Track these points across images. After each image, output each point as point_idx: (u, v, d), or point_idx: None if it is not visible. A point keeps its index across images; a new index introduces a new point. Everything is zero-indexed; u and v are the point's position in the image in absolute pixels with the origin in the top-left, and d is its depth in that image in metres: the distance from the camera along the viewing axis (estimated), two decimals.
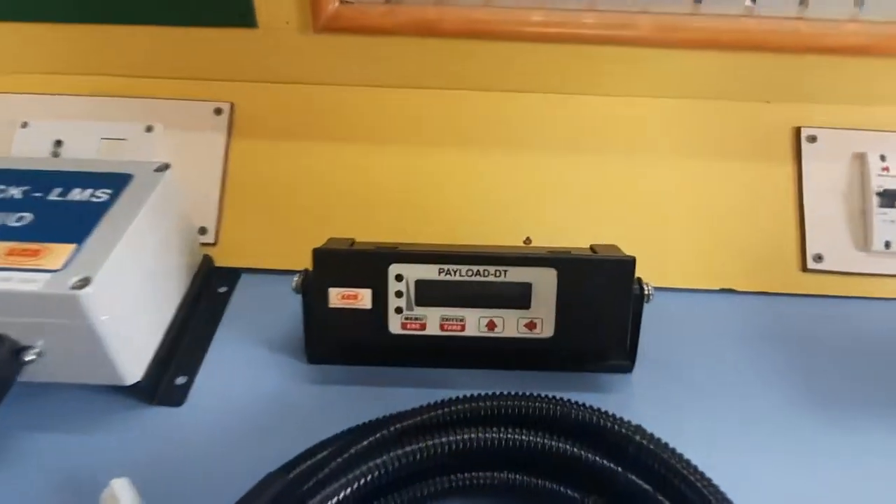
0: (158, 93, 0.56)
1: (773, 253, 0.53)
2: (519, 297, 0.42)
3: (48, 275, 0.37)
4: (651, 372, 0.46)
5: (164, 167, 0.46)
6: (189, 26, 0.54)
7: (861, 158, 0.53)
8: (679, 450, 0.37)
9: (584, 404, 0.38)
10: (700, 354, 0.48)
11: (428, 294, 0.42)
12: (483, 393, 0.39)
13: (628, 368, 0.46)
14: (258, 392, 0.45)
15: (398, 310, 0.42)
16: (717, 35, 0.52)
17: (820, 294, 0.52)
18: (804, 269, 0.52)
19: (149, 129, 0.54)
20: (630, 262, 0.41)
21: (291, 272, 0.45)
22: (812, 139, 0.54)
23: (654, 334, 0.46)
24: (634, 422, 0.38)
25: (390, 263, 0.41)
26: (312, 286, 0.42)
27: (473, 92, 0.56)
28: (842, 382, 0.46)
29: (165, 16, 0.53)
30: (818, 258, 0.52)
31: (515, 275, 0.41)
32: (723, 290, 0.52)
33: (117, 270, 0.39)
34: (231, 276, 0.52)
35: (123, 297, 0.40)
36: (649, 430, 0.38)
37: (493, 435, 0.36)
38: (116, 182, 0.44)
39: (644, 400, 0.44)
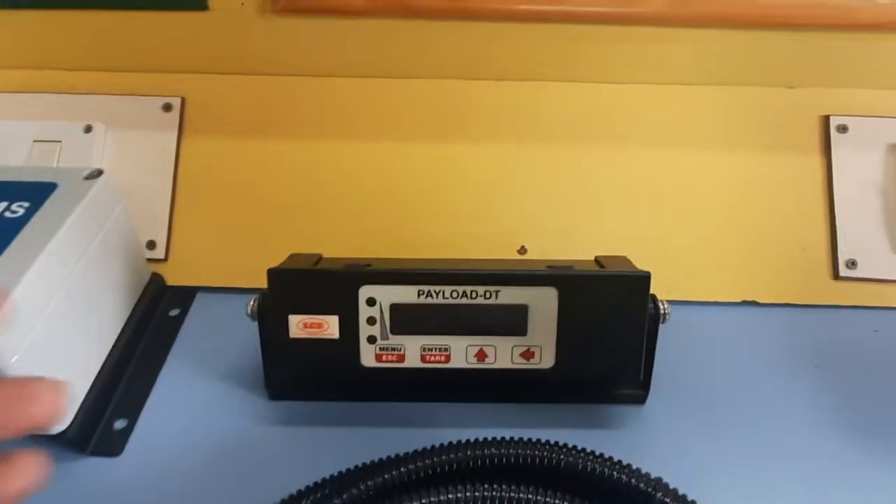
0: (98, 87, 0.49)
1: (800, 259, 0.47)
2: (513, 321, 0.35)
3: None
4: (667, 402, 0.40)
5: (95, 174, 0.39)
6: (131, 10, 0.47)
7: None
8: (705, 499, 0.31)
9: (592, 452, 0.32)
10: (722, 379, 0.42)
11: (406, 320, 0.35)
12: (470, 439, 0.33)
13: (641, 399, 0.40)
14: (211, 436, 0.38)
15: (371, 339, 0.36)
16: (731, 10, 0.46)
17: (854, 305, 0.46)
18: (836, 276, 0.46)
19: (87, 129, 0.47)
20: (644, 279, 0.35)
21: (255, 291, 0.39)
22: (842, 129, 0.48)
23: (669, 356, 0.40)
24: (650, 466, 0.33)
25: (360, 285, 0.35)
26: (269, 312, 0.36)
27: (460, 81, 0.49)
28: (887, 407, 0.40)
29: None
30: (851, 264, 0.46)
31: (509, 296, 0.35)
32: (745, 303, 0.46)
33: (31, 300, 0.32)
34: (184, 296, 0.46)
35: (39, 331, 0.33)
36: (669, 478, 0.32)
37: (483, 493, 0.30)
38: (37, 193, 0.37)
39: (660, 437, 0.38)
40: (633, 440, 0.38)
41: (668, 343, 0.38)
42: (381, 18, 0.47)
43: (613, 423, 0.39)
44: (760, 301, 0.46)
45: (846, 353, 0.43)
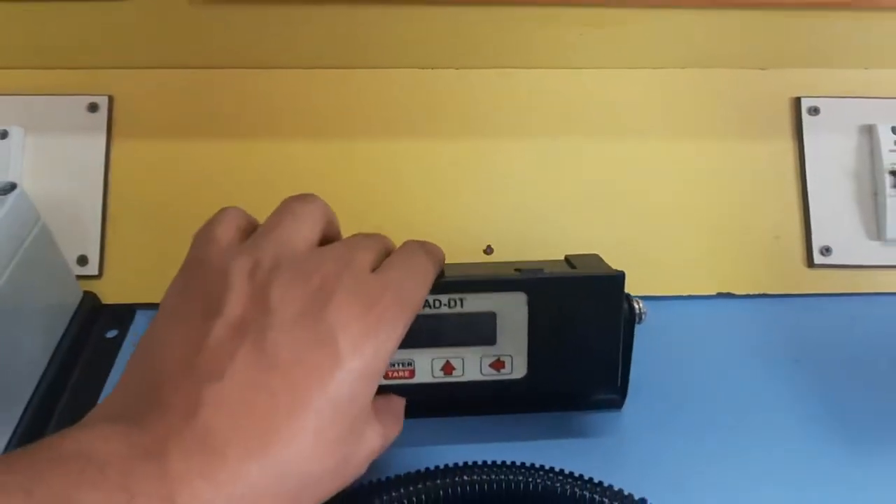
0: (13, 87, 0.44)
1: (774, 248, 0.45)
2: (481, 330, 0.33)
3: None
4: (645, 404, 0.38)
5: (8, 188, 0.35)
6: None
7: (870, 131, 0.45)
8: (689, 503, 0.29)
9: (571, 474, 0.30)
10: (700, 376, 0.40)
11: None
12: (437, 467, 0.30)
13: (618, 403, 0.38)
14: None
15: None
16: None
17: (830, 293, 0.44)
18: (810, 264, 0.45)
19: (3, 135, 0.43)
20: (618, 278, 0.33)
21: None
22: (814, 111, 0.46)
23: (644, 355, 0.37)
24: (630, 473, 0.32)
25: None
26: None
27: (415, 70, 0.46)
28: (866, 397, 0.39)
29: None
30: (826, 251, 0.45)
31: (475, 303, 0.32)
32: (720, 295, 0.44)
33: None
34: (122, 315, 0.42)
35: None
36: (650, 484, 0.31)
37: None
38: None
39: (639, 443, 0.36)
40: (611, 450, 0.36)
41: (643, 340, 0.36)
42: (331, 4, 0.43)
43: (589, 431, 0.37)
44: (736, 293, 0.44)
45: (825, 344, 0.42)
